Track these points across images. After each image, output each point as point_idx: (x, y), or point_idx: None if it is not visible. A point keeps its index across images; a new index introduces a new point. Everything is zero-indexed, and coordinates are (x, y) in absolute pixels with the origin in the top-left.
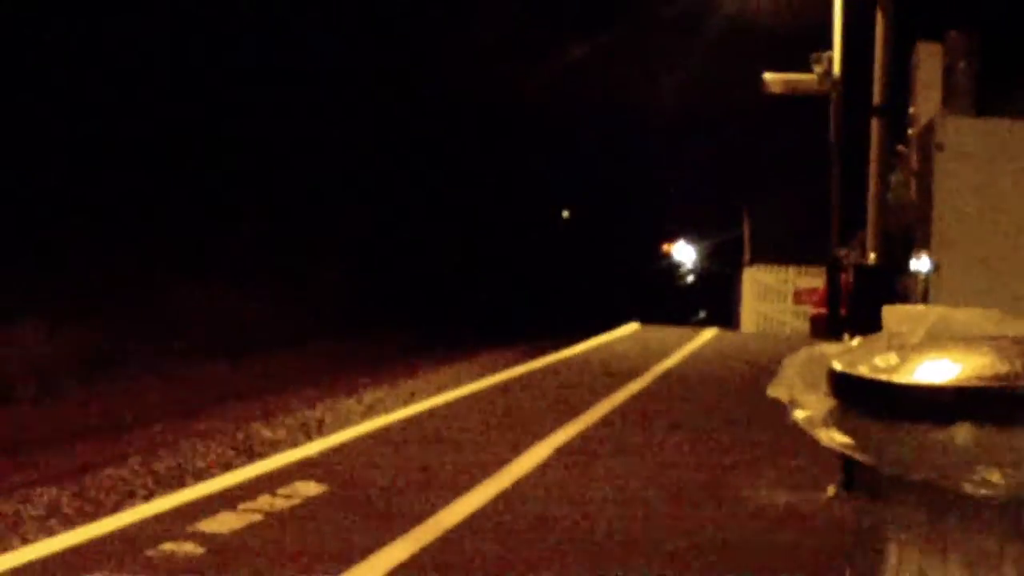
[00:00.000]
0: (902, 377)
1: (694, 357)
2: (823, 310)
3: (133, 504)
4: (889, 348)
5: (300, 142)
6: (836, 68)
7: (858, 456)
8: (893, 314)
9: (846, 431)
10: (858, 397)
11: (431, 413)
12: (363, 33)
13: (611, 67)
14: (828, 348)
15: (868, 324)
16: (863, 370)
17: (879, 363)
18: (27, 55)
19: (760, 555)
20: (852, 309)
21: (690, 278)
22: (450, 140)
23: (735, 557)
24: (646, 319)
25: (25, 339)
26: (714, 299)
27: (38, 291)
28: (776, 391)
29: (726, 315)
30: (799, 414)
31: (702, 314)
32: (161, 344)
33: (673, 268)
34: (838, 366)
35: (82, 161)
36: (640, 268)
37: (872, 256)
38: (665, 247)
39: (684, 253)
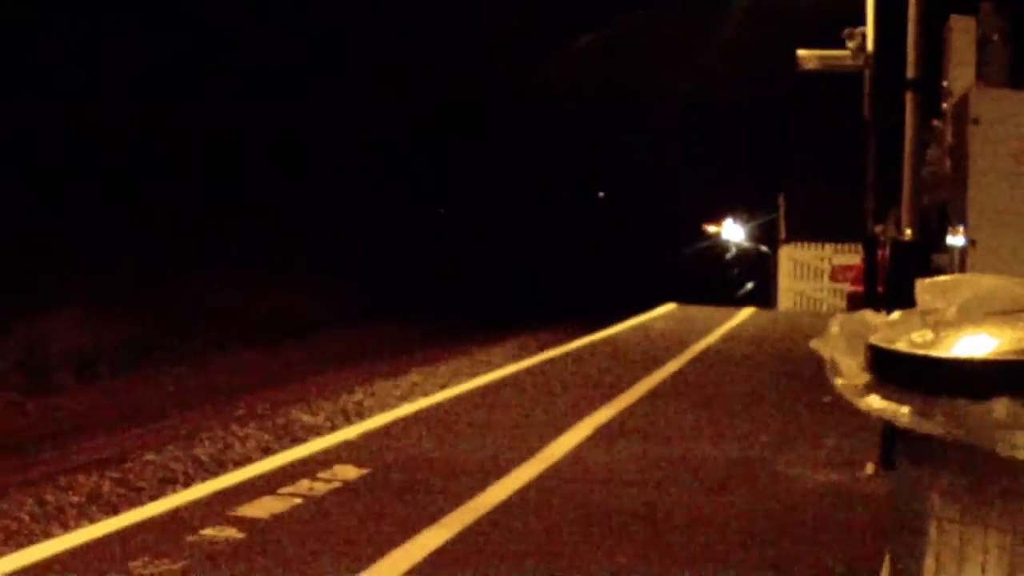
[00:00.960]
0: (939, 351)
1: (731, 337)
2: (860, 287)
3: (174, 490)
4: (924, 323)
5: (333, 131)
6: (870, 43)
7: (898, 422)
8: (926, 287)
9: (884, 407)
10: (896, 372)
11: (469, 396)
12: (395, 20)
13: (644, 46)
14: (871, 316)
15: (904, 301)
16: (901, 345)
17: (916, 338)
18: (35, 54)
19: (799, 533)
20: (888, 286)
21: (734, 256)
22: (480, 125)
23: (773, 535)
24: (691, 298)
25: (63, 327)
26: (760, 277)
27: (75, 281)
28: (818, 345)
29: (766, 294)
30: (839, 381)
31: (749, 285)
32: (197, 332)
33: (719, 247)
34: (876, 341)
35: (117, 158)
36: (684, 247)
37: (908, 232)
38: (710, 226)
39: (732, 232)
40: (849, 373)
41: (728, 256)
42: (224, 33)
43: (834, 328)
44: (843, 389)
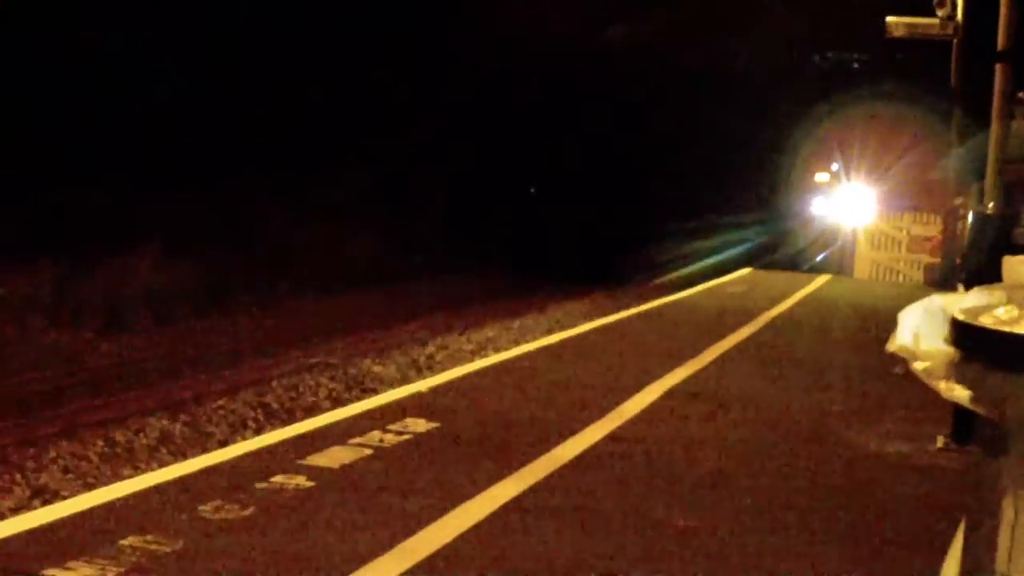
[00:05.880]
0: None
1: (804, 304)
2: (937, 259)
3: (244, 436)
4: (1011, 300)
5: (421, 91)
6: (959, 13)
7: (978, 408)
8: (1014, 265)
9: (966, 382)
10: (981, 347)
11: (542, 353)
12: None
13: (730, 13)
14: (943, 300)
15: (983, 274)
16: (986, 321)
17: (1002, 315)
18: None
19: (867, 504)
20: (967, 258)
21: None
22: (555, 87)
23: (842, 506)
24: None
25: (142, 269)
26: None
27: (155, 223)
28: (893, 346)
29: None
30: (918, 366)
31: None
32: (274, 278)
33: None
34: (961, 316)
35: (203, 103)
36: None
37: (990, 205)
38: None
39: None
40: (928, 357)
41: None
42: None
43: (905, 325)
44: (923, 375)
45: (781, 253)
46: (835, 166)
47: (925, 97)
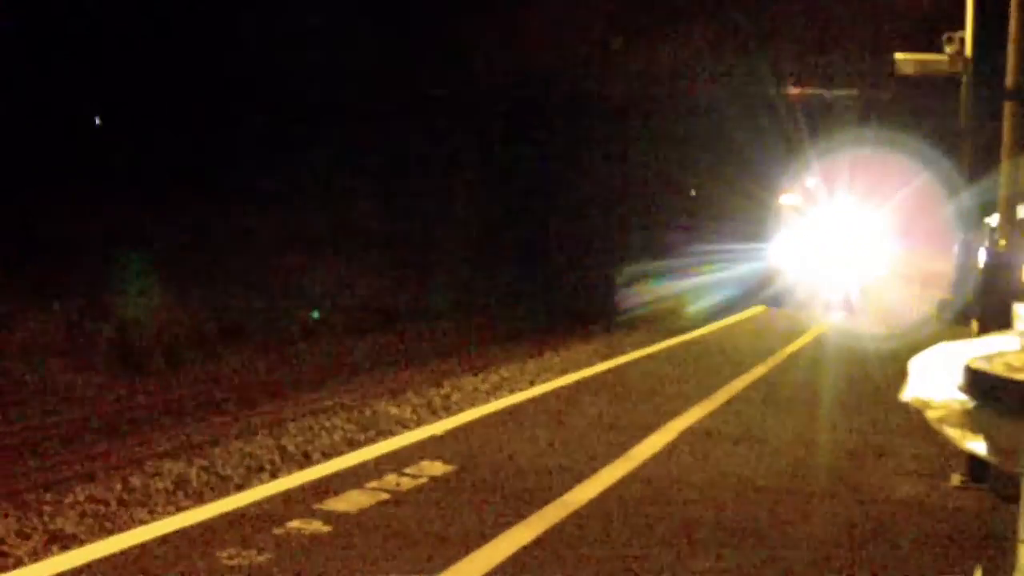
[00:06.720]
0: None
1: (817, 342)
2: (950, 296)
3: (260, 480)
4: (1023, 346)
5: (429, 134)
6: (968, 49)
7: (991, 457)
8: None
9: (980, 431)
10: (994, 395)
11: (557, 394)
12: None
13: (732, 45)
14: (954, 347)
15: (995, 312)
16: (998, 368)
17: (1014, 362)
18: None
19: (883, 546)
20: (979, 296)
21: None
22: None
23: (856, 548)
24: None
25: (155, 310)
26: None
27: (168, 264)
28: (906, 396)
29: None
30: (931, 414)
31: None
32: (288, 319)
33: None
34: (973, 364)
35: (220, 146)
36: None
37: (1002, 243)
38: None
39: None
40: (941, 406)
41: None
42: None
43: (916, 373)
44: (935, 423)
45: (778, 293)
46: (837, 205)
47: (931, 132)
